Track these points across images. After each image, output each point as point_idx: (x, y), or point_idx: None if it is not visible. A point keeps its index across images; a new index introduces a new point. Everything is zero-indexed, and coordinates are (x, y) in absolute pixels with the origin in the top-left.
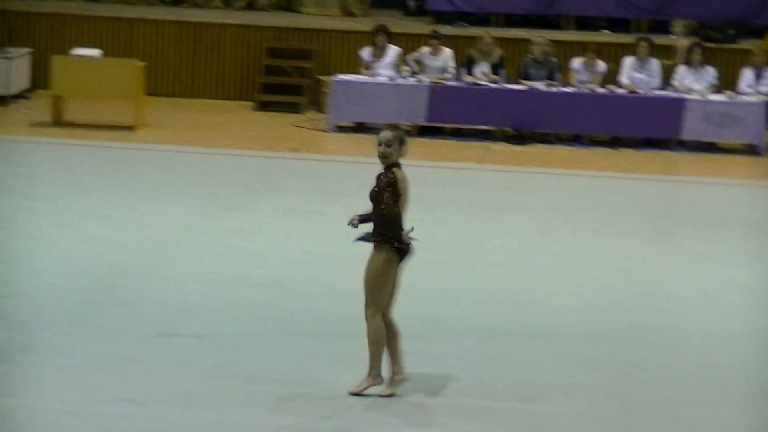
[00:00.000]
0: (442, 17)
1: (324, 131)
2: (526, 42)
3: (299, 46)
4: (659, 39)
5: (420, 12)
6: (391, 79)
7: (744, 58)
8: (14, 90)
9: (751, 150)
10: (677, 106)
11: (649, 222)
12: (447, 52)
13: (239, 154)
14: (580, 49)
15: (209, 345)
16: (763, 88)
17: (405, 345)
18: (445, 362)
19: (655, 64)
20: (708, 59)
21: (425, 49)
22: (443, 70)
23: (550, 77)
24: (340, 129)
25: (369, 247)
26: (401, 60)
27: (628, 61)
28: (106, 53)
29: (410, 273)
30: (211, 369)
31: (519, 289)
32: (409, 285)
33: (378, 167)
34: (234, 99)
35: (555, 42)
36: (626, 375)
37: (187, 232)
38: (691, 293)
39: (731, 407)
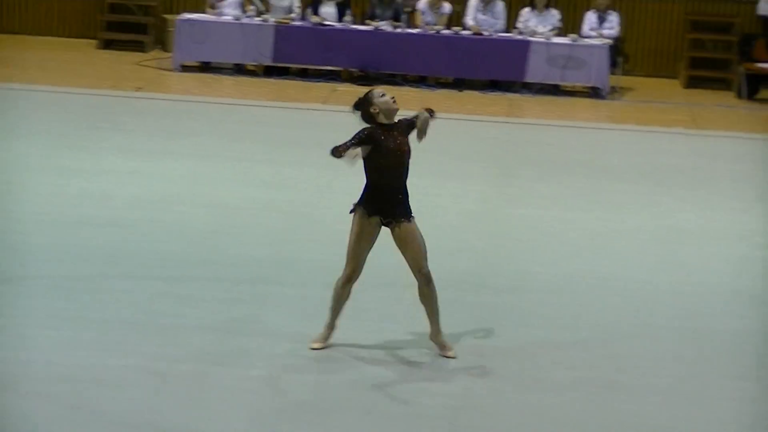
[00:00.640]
0: None
1: (169, 70)
2: None
3: None
4: None
5: None
6: (237, 18)
7: (587, 2)
8: None
9: (594, 93)
10: (521, 48)
11: (494, 164)
12: None
13: (84, 93)
14: None
15: (59, 288)
16: (606, 32)
17: (253, 288)
18: (294, 301)
19: (499, 6)
20: (551, 2)
21: None
22: (289, 9)
23: (395, 18)
24: (185, 68)
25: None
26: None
27: (473, 3)
28: None
29: (259, 214)
30: (60, 311)
31: None
32: (257, 225)
33: None
34: (78, 37)
35: None
36: (477, 317)
37: (32, 173)
38: (535, 235)
39: (576, 349)
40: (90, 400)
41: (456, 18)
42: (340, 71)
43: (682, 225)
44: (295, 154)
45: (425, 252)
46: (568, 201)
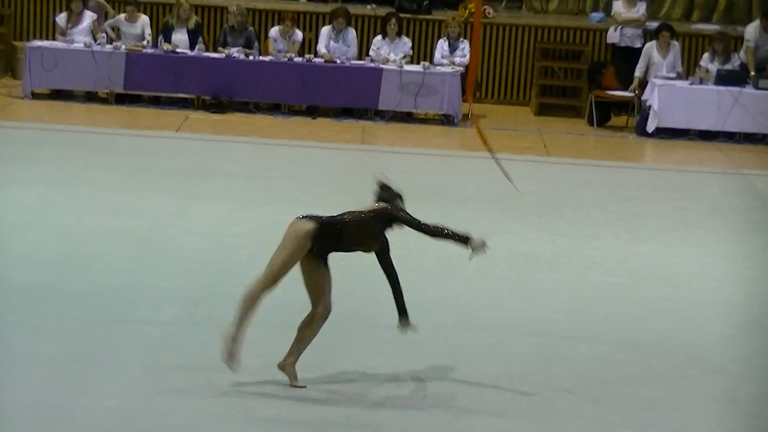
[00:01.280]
0: None
1: (19, 98)
2: (223, 9)
3: None
4: (355, 9)
5: None
6: (87, 45)
7: (439, 30)
8: None
9: (446, 120)
10: (374, 76)
11: (346, 191)
12: (143, 19)
13: None
14: (278, 17)
15: None
16: (457, 59)
17: (101, 313)
18: (145, 330)
19: (351, 33)
20: (403, 30)
21: (122, 16)
22: (141, 37)
23: (247, 45)
24: (36, 96)
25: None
26: (97, 26)
27: (325, 31)
28: None
29: (108, 242)
30: None
31: (217, 257)
32: (107, 254)
33: None
34: None
35: (253, 10)
36: (323, 343)
37: None
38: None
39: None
40: None
41: (308, 45)
42: (192, 99)
43: (534, 251)
44: (146, 182)
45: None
46: None
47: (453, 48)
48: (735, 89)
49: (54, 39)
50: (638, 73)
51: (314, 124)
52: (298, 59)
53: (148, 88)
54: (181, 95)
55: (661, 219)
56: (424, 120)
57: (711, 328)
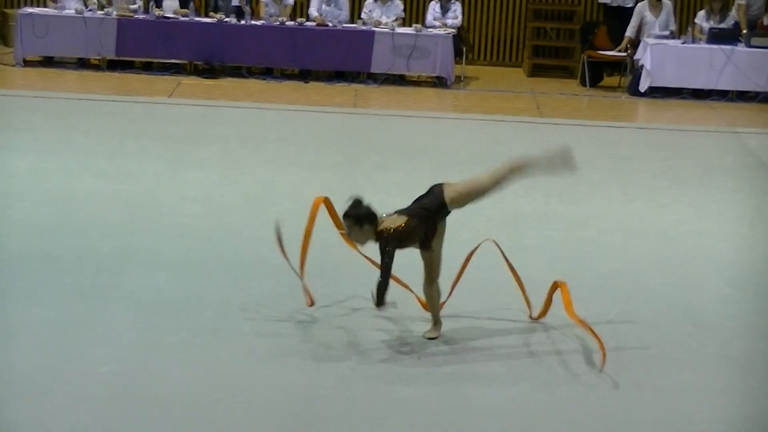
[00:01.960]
0: None
1: (11, 65)
2: None
3: None
4: None
5: None
6: (78, 12)
7: None
8: None
9: (439, 82)
10: (366, 39)
11: (339, 154)
12: None
13: None
14: None
15: None
16: (449, 21)
17: (94, 279)
18: (138, 295)
19: None
20: None
21: None
22: (131, 1)
23: (238, 9)
24: (27, 63)
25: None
26: None
27: None
28: None
29: (100, 208)
30: None
31: (211, 222)
32: (99, 219)
33: None
34: None
35: None
36: (317, 307)
37: None
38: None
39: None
40: None
41: (299, 9)
42: (184, 64)
43: (526, 212)
44: (138, 147)
45: None
46: (412, 189)
47: (445, 10)
48: (727, 47)
49: (45, 6)
50: (629, 32)
51: (306, 87)
52: (289, 23)
53: (139, 54)
54: (172, 61)
55: (654, 178)
56: (417, 82)
57: (704, 285)
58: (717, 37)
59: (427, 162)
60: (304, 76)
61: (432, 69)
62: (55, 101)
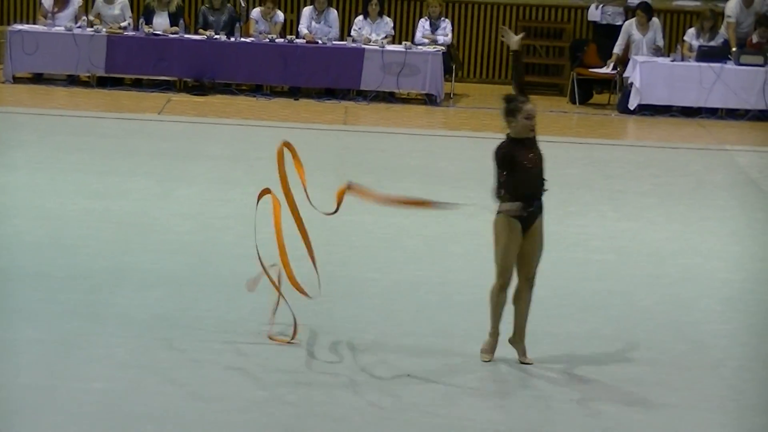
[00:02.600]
0: None
1: (0, 82)
2: None
3: None
4: None
5: None
6: (68, 29)
7: (420, 9)
8: None
9: (429, 100)
10: (356, 56)
11: (329, 172)
12: (122, 1)
13: None
14: None
15: None
16: (440, 38)
17: (87, 296)
18: (131, 313)
19: (333, 14)
20: (384, 10)
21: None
22: (120, 18)
23: (229, 26)
24: (17, 80)
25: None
26: (82, 10)
27: (307, 12)
28: None
29: (92, 225)
30: None
31: (203, 239)
32: (91, 237)
33: None
34: None
35: None
36: (311, 324)
37: None
38: (371, 241)
39: (416, 353)
40: None
41: (290, 26)
42: (174, 81)
43: None
44: (129, 165)
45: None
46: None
47: (434, 27)
48: (717, 65)
49: (35, 22)
50: (617, 50)
51: (297, 105)
52: (279, 40)
53: (129, 71)
54: (163, 78)
55: (645, 196)
56: (407, 100)
57: (696, 303)
58: (706, 55)
59: (418, 180)
60: (294, 93)
61: (422, 86)
62: (45, 118)
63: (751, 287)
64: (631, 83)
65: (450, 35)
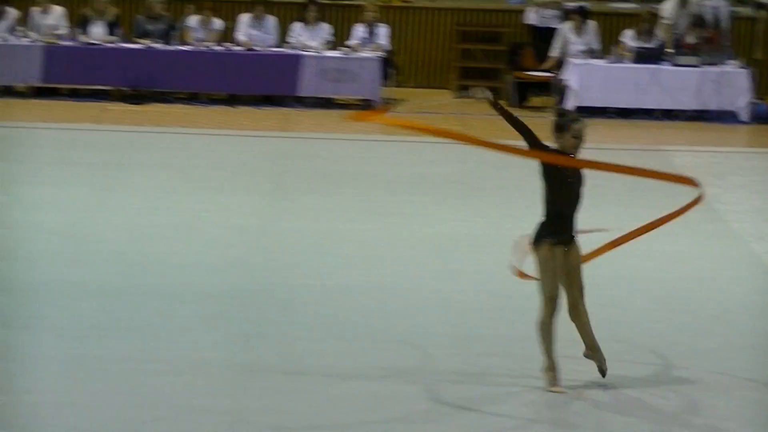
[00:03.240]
0: None
1: None
2: (140, 2)
3: None
4: None
5: None
6: (4, 39)
7: (357, 15)
8: None
9: (367, 105)
10: (293, 62)
11: (267, 179)
12: (58, 10)
13: None
14: (197, 6)
15: None
16: (377, 43)
17: (19, 309)
18: (63, 324)
19: (270, 21)
20: (322, 16)
21: (35, 8)
22: (55, 27)
23: (166, 34)
24: None
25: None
26: (19, 21)
27: (244, 19)
28: None
29: (27, 234)
30: None
31: (138, 249)
32: (24, 248)
33: None
34: None
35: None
36: (246, 332)
37: None
38: (307, 247)
39: (350, 358)
40: None
41: (227, 34)
42: (110, 90)
43: (454, 233)
44: (65, 175)
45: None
46: (341, 213)
47: (371, 33)
48: (652, 67)
49: None
50: (554, 53)
51: (234, 112)
52: (217, 48)
53: (66, 80)
54: (99, 87)
55: None
56: (345, 105)
57: (631, 304)
58: (643, 56)
59: (355, 185)
60: (232, 100)
61: (360, 92)
62: None
63: (683, 286)
64: (568, 86)
65: (387, 40)
